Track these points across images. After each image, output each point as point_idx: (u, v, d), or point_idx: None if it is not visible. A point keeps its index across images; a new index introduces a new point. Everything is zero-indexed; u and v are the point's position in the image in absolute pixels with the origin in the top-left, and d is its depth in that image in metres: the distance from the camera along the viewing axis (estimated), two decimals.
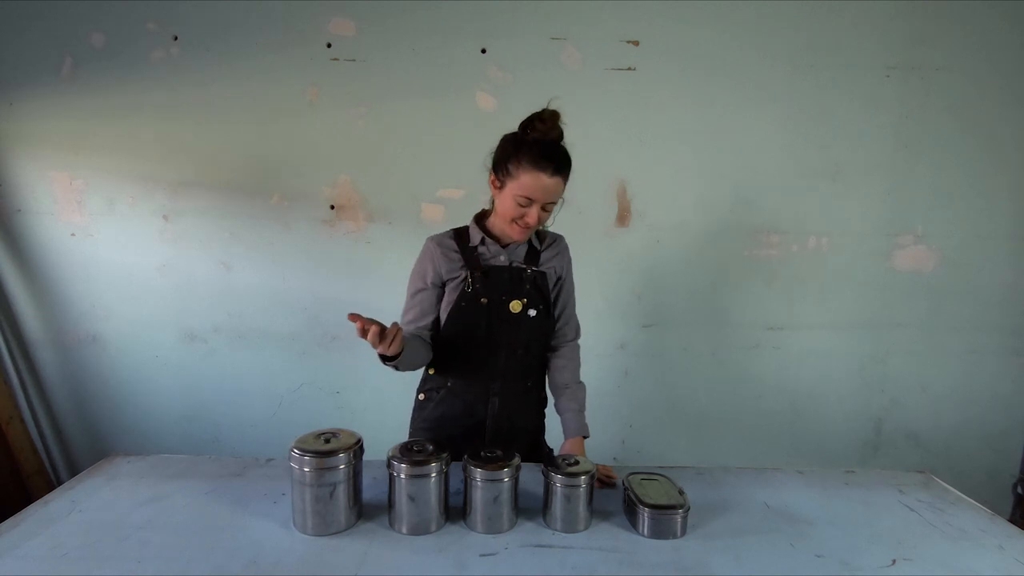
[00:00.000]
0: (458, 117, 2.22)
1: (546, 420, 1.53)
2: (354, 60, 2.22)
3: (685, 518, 1.11)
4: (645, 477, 1.22)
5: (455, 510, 1.15)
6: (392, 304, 2.28)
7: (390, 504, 1.11)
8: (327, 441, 1.11)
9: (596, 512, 1.16)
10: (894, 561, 1.05)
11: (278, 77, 2.22)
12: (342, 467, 1.08)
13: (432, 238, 1.41)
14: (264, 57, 2.21)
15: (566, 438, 1.41)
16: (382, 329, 1.13)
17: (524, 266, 1.38)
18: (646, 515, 1.10)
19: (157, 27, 2.21)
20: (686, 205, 2.30)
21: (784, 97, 2.22)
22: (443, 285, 1.40)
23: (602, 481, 1.29)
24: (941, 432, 2.42)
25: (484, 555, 1.03)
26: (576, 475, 1.11)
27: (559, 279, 1.44)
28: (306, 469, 1.06)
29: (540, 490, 1.16)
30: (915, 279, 2.33)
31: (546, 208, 1.28)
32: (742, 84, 2.22)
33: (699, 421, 2.42)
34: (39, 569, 0.97)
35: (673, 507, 1.10)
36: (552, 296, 1.43)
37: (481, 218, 1.42)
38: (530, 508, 1.17)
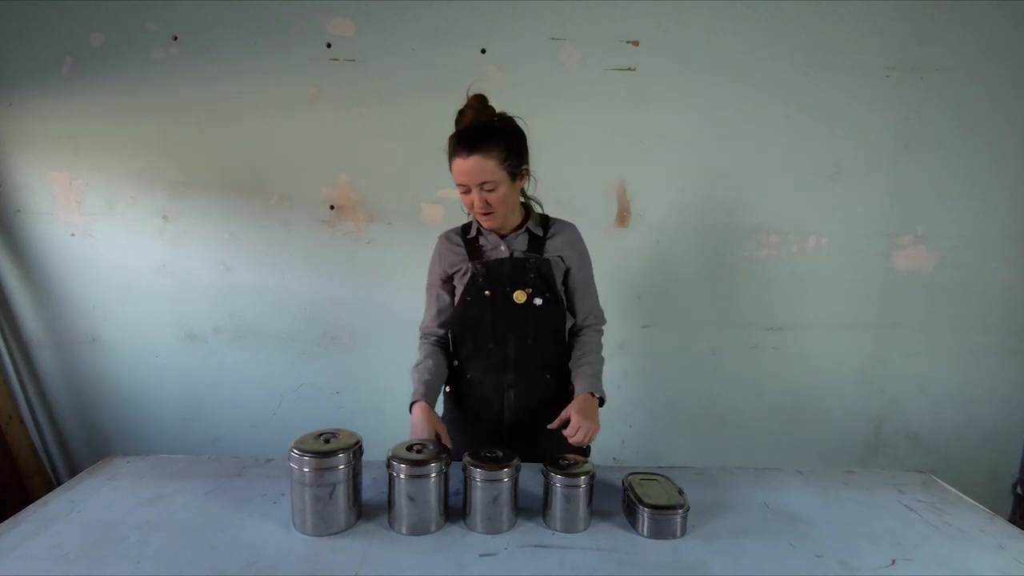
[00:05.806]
0: None
1: None
2: (354, 60, 2.22)
3: (685, 518, 1.11)
4: (645, 477, 1.22)
5: (455, 510, 1.15)
6: (391, 304, 2.32)
7: (390, 504, 1.11)
8: (327, 441, 1.11)
9: (596, 512, 1.16)
10: (893, 561, 1.05)
11: (278, 77, 2.22)
12: (342, 467, 1.08)
13: (441, 235, 1.47)
14: (264, 57, 2.21)
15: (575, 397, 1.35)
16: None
17: (526, 255, 1.39)
18: (646, 515, 1.10)
19: (157, 27, 2.20)
20: (686, 205, 2.29)
21: (784, 97, 2.22)
22: (451, 279, 1.44)
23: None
24: (941, 432, 2.42)
25: (484, 555, 1.03)
26: (576, 475, 1.11)
27: (568, 268, 1.44)
28: (306, 469, 1.07)
29: (540, 490, 1.16)
30: (915, 279, 2.33)
31: (485, 188, 1.29)
32: (742, 84, 2.21)
33: (699, 421, 2.42)
34: (39, 569, 0.97)
35: (673, 507, 1.10)
36: (560, 283, 1.43)
37: None
38: (530, 508, 1.17)
